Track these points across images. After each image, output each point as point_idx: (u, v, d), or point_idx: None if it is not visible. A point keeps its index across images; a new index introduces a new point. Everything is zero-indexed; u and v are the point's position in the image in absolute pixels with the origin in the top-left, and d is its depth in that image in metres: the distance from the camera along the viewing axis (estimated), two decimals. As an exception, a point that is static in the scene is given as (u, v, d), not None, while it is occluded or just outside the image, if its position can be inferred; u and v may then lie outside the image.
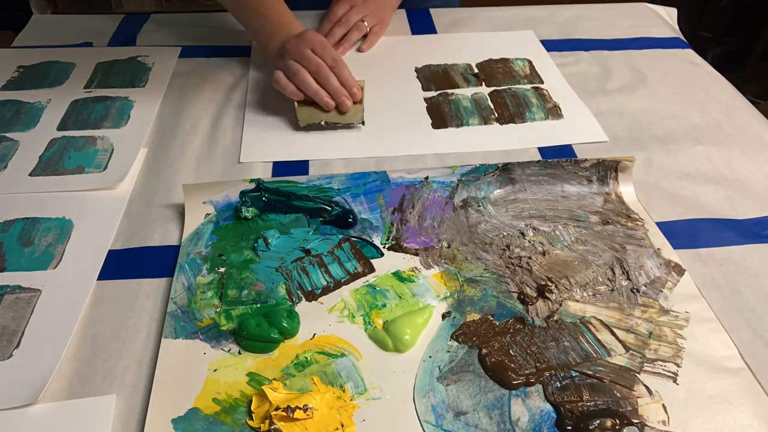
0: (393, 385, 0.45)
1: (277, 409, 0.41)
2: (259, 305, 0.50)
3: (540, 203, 0.61)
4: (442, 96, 0.76)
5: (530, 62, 0.83)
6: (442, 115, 0.73)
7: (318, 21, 0.90)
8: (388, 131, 0.71)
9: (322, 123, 0.69)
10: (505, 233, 0.57)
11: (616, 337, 0.48)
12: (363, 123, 0.70)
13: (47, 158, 0.65)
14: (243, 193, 0.59)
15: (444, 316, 0.50)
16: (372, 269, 0.54)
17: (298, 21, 0.76)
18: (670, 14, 1.00)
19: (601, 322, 0.49)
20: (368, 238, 0.57)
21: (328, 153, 0.67)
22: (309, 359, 0.46)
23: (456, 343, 0.48)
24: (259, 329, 0.47)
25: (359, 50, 0.84)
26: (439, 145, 0.69)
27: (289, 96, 0.69)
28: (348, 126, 0.70)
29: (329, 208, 0.59)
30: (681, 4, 1.17)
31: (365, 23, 0.84)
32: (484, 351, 0.47)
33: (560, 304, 0.51)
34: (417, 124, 0.72)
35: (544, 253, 0.55)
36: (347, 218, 0.58)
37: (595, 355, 0.47)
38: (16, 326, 0.48)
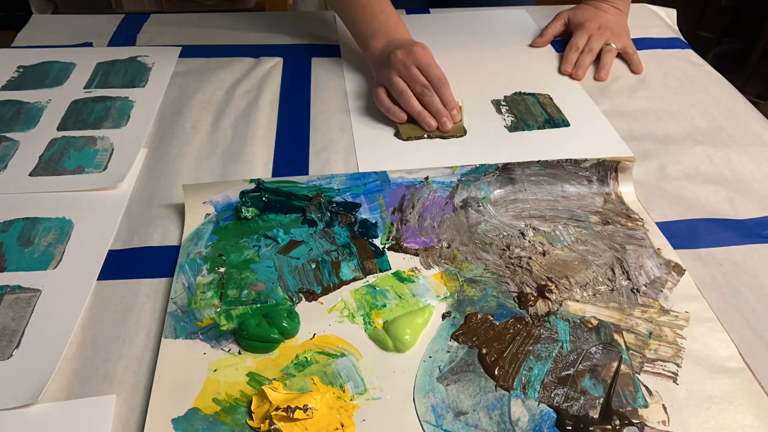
0: (393, 385, 0.45)
1: (277, 409, 0.41)
2: (259, 305, 0.50)
3: (540, 203, 0.61)
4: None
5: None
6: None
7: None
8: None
9: (425, 136, 0.70)
10: (505, 233, 0.57)
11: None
12: (464, 134, 0.71)
13: (47, 158, 0.65)
14: (243, 193, 0.59)
15: (444, 316, 0.50)
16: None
17: (405, 25, 0.77)
18: (669, 15, 1.00)
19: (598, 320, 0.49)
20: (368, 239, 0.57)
21: (440, 160, 0.66)
22: (309, 359, 0.46)
23: (456, 343, 0.48)
24: (259, 329, 0.47)
25: (635, 72, 0.83)
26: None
27: (392, 118, 0.71)
28: (452, 135, 0.71)
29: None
30: (681, 5, 1.17)
31: (612, 45, 0.84)
32: (484, 351, 0.47)
33: (560, 304, 0.51)
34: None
35: (544, 253, 0.55)
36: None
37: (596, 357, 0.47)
38: (16, 326, 0.48)
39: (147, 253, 0.55)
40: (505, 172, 0.62)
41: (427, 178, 0.61)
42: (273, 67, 0.83)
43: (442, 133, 0.71)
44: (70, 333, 0.47)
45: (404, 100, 0.70)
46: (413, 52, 0.71)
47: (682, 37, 0.94)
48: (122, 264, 0.54)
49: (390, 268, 0.54)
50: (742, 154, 0.68)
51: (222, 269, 0.53)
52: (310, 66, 0.83)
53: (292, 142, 0.69)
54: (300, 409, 0.41)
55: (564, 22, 0.89)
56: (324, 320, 0.49)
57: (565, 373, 0.45)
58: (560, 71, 0.83)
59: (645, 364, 0.46)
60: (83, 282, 0.52)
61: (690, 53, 0.89)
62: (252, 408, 0.43)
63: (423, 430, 0.42)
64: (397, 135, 0.70)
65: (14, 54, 0.83)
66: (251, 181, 0.59)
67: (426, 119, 0.70)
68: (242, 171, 0.65)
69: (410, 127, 0.71)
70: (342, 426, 0.42)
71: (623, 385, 0.45)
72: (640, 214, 0.60)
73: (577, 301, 0.51)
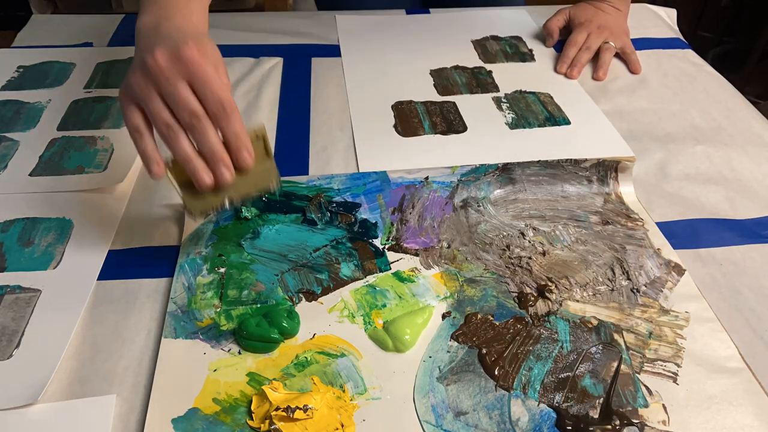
0: (393, 385, 0.45)
1: (277, 409, 0.41)
2: (259, 305, 0.50)
3: (540, 203, 0.61)
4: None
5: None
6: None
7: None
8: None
9: (227, 206, 0.48)
10: (505, 233, 0.57)
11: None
12: (278, 186, 0.50)
13: (47, 158, 0.65)
14: (243, 193, 0.59)
15: (444, 316, 0.50)
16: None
17: (205, 13, 0.55)
18: (669, 15, 1.00)
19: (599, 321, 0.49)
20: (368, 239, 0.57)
21: (441, 160, 0.65)
22: (309, 359, 0.46)
23: (456, 343, 0.48)
24: (259, 329, 0.47)
25: (633, 72, 0.84)
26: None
27: (144, 162, 0.46)
28: (263, 192, 0.51)
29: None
30: (681, 5, 1.17)
31: (611, 44, 0.84)
32: (484, 351, 0.47)
33: (560, 304, 0.51)
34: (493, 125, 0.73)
35: (544, 253, 0.55)
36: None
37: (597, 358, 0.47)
38: (16, 326, 0.48)
39: (147, 253, 0.55)
40: (505, 172, 0.62)
41: (427, 178, 0.61)
42: (273, 67, 0.83)
43: (248, 188, 0.48)
44: (70, 333, 0.47)
45: (170, 138, 0.45)
46: (183, 56, 0.45)
47: (682, 37, 0.94)
48: (122, 264, 0.54)
49: (390, 268, 0.54)
50: (742, 154, 0.68)
51: (222, 269, 0.53)
52: (310, 66, 0.83)
53: (292, 142, 0.69)
54: (300, 409, 0.41)
55: (565, 17, 0.89)
56: (324, 320, 0.49)
57: (565, 373, 0.45)
58: (556, 70, 0.83)
59: (645, 364, 0.46)
60: (83, 282, 0.52)
61: (690, 53, 0.89)
62: (252, 408, 0.43)
63: (423, 430, 0.42)
64: (184, 209, 0.53)
65: (14, 54, 0.83)
66: (251, 181, 0.59)
67: (197, 171, 0.45)
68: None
69: (201, 197, 0.48)
70: (342, 426, 0.42)
71: (623, 384, 0.45)
72: (640, 214, 0.60)
73: (577, 301, 0.51)
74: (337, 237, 0.56)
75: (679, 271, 0.54)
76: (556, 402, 0.44)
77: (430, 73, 0.82)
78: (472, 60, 0.85)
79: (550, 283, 0.52)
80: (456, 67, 0.83)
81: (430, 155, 0.67)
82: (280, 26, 0.92)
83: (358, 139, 0.69)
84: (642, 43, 0.89)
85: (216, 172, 0.46)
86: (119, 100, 0.47)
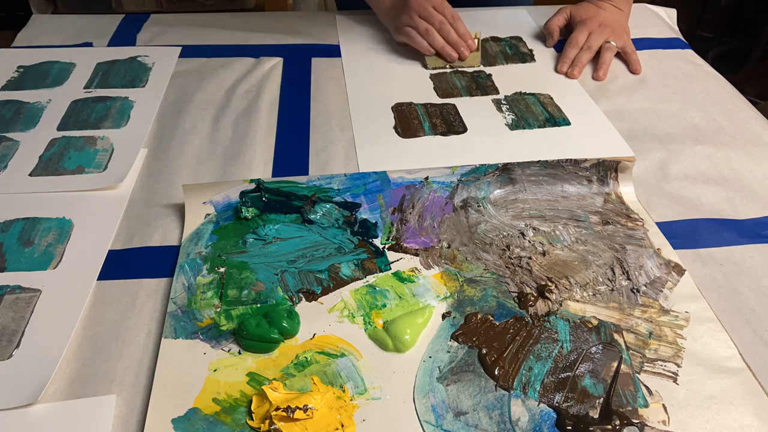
0: (393, 385, 0.45)
1: (277, 409, 0.41)
2: (259, 305, 0.50)
3: (540, 203, 0.61)
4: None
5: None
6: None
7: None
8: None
9: (447, 67, 0.84)
10: (505, 233, 0.57)
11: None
12: (481, 65, 0.84)
13: (47, 158, 0.65)
14: (243, 193, 0.59)
15: (444, 316, 0.50)
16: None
17: None
18: (669, 15, 1.00)
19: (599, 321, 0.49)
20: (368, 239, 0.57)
21: (441, 160, 0.65)
22: (309, 359, 0.46)
23: (456, 343, 0.48)
24: (259, 329, 0.47)
25: (634, 72, 0.83)
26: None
27: (423, 52, 0.83)
28: (470, 67, 0.85)
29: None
30: (681, 5, 1.17)
31: (612, 43, 0.84)
32: (484, 351, 0.47)
33: (560, 304, 0.51)
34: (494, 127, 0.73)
35: (544, 253, 0.55)
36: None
37: (597, 358, 0.47)
38: (16, 326, 0.48)
39: (147, 253, 0.55)
40: (505, 172, 0.62)
41: (427, 178, 0.61)
42: (273, 67, 0.83)
43: (461, 63, 0.84)
44: (70, 333, 0.47)
45: (430, 36, 0.82)
46: None
47: (682, 37, 0.94)
48: (122, 264, 0.54)
49: (390, 268, 0.54)
50: (742, 154, 0.68)
51: (222, 269, 0.53)
52: (310, 66, 0.83)
53: (292, 142, 0.69)
54: (300, 409, 0.41)
55: (566, 16, 0.89)
56: (324, 320, 0.49)
57: (565, 373, 0.45)
58: (556, 70, 0.83)
59: (645, 363, 0.46)
60: (83, 282, 0.52)
61: (690, 53, 0.89)
62: (252, 408, 0.43)
63: (423, 430, 0.42)
64: (424, 66, 0.83)
65: (14, 54, 0.83)
66: (251, 181, 0.59)
67: (448, 51, 0.82)
68: (242, 171, 0.65)
69: (434, 59, 0.84)
70: (342, 426, 0.42)
71: (623, 384, 0.45)
72: (640, 214, 0.60)
73: (577, 301, 0.51)
74: (338, 237, 0.56)
75: (679, 271, 0.54)
76: (556, 402, 0.44)
77: (429, 77, 0.82)
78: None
79: (550, 283, 0.52)
80: (456, 71, 0.83)
81: (430, 156, 0.67)
82: (280, 26, 0.92)
83: (358, 139, 0.69)
84: (642, 43, 0.89)
85: (459, 51, 0.83)
86: (406, 34, 0.83)
